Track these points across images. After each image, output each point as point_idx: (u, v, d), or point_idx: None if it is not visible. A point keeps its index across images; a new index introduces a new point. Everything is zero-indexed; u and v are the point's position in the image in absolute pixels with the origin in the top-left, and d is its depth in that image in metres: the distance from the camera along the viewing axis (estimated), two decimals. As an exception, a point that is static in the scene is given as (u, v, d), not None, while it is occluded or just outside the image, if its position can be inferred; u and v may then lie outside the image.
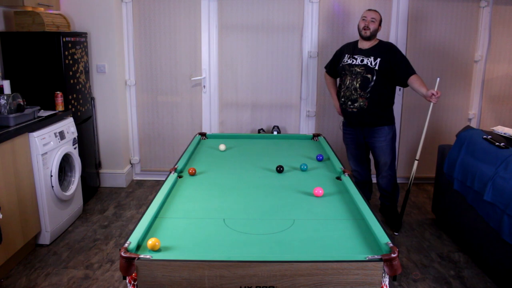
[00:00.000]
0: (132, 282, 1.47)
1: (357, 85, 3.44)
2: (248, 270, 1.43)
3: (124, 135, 4.45)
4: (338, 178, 2.35)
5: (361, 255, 1.50)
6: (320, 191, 2.08)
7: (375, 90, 3.40)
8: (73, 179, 3.50)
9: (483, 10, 4.34)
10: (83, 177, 3.72)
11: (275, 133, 4.32)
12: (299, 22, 4.34)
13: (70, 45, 3.62)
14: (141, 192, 4.33)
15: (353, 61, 3.49)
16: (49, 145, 3.13)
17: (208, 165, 2.56)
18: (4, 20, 3.57)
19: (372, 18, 3.44)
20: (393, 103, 3.60)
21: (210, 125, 4.56)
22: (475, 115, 4.61)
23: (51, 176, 3.14)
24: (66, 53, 3.55)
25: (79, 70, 3.81)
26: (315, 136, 3.31)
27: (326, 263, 1.44)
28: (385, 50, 3.42)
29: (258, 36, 4.36)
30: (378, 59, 3.39)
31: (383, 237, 1.60)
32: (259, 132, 4.43)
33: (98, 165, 4.35)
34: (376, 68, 3.38)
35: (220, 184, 2.26)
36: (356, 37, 4.56)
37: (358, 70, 3.45)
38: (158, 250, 1.53)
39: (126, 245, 1.51)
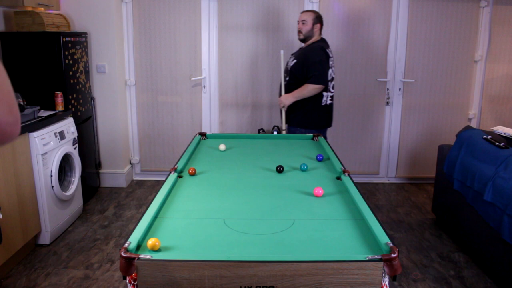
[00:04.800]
0: (132, 282, 1.47)
1: (280, 83, 3.60)
2: (248, 270, 1.43)
3: (124, 135, 4.45)
4: (338, 178, 2.34)
5: (361, 255, 1.50)
6: (320, 191, 2.08)
7: (287, 91, 3.50)
8: (73, 179, 3.50)
9: (483, 10, 4.34)
10: (83, 177, 3.71)
11: (275, 133, 4.31)
12: (299, 22, 4.34)
13: (70, 45, 3.62)
14: (141, 192, 4.33)
15: (289, 58, 3.60)
16: (49, 145, 3.13)
17: (208, 165, 2.56)
18: (4, 20, 3.56)
19: (303, 20, 3.46)
20: (313, 107, 3.51)
21: (210, 125, 4.56)
22: (475, 115, 4.61)
23: (51, 176, 3.14)
24: (66, 53, 3.55)
25: (79, 70, 3.81)
26: (315, 136, 3.30)
27: (326, 263, 1.44)
28: (305, 53, 3.44)
29: (258, 36, 4.36)
30: (295, 60, 3.44)
31: (383, 237, 1.60)
32: (259, 132, 4.43)
33: (98, 165, 4.35)
34: (289, 68, 3.45)
35: (220, 184, 2.26)
36: (354, 37, 4.58)
37: (287, 68, 3.56)
38: (158, 250, 1.53)
39: (126, 245, 1.51)
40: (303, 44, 3.60)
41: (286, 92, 3.52)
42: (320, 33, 3.55)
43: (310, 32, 3.46)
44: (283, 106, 3.53)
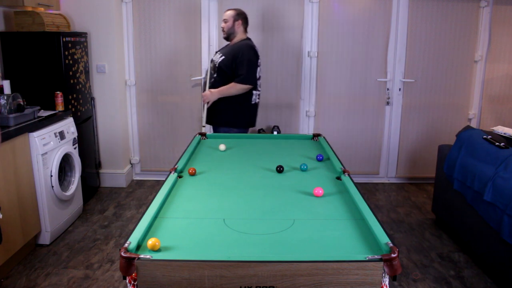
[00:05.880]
0: (132, 282, 1.47)
1: (206, 79, 3.59)
2: (248, 270, 1.43)
3: (124, 135, 4.45)
4: (338, 178, 2.34)
5: (361, 255, 1.50)
6: (320, 191, 2.08)
7: (213, 87, 3.48)
8: (73, 179, 3.50)
9: (483, 10, 4.34)
10: (83, 177, 3.71)
11: (275, 133, 4.32)
12: (299, 22, 4.34)
13: (70, 45, 3.62)
14: (141, 192, 4.33)
15: (214, 56, 3.60)
16: (49, 145, 3.13)
17: (208, 165, 2.56)
18: (4, 20, 3.56)
19: (224, 19, 3.50)
20: (243, 106, 3.51)
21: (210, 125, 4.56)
22: (475, 115, 4.61)
23: (51, 176, 3.14)
24: (66, 53, 3.55)
25: (79, 70, 3.81)
26: (315, 136, 3.30)
27: (326, 263, 1.44)
28: (234, 50, 3.43)
29: (258, 36, 4.35)
30: (223, 57, 3.44)
31: (383, 237, 1.60)
32: (259, 132, 4.43)
33: (98, 165, 4.35)
34: (217, 65, 3.44)
35: (220, 184, 2.26)
36: (354, 37, 4.57)
37: (211, 65, 3.56)
38: (158, 250, 1.53)
39: (126, 245, 1.51)
40: (228, 42, 3.60)
41: (211, 88, 3.49)
42: (245, 31, 3.56)
43: (231, 29, 3.49)
44: (208, 102, 3.50)
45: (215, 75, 3.48)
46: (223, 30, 3.54)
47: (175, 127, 4.56)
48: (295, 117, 4.55)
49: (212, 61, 3.59)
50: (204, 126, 3.63)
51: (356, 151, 4.62)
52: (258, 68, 3.51)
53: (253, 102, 3.54)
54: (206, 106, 3.55)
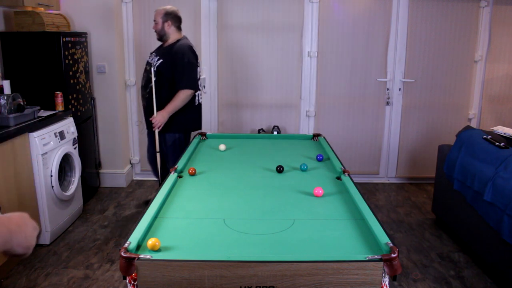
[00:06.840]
0: (132, 282, 1.47)
1: (142, 83, 3.47)
2: (248, 270, 1.43)
3: (124, 135, 4.45)
4: (338, 178, 2.35)
5: (361, 255, 1.50)
6: (320, 191, 2.08)
7: (155, 92, 3.30)
8: (73, 179, 3.49)
9: (483, 10, 4.34)
10: (83, 177, 3.71)
11: (275, 133, 4.32)
12: (299, 22, 4.34)
13: (70, 45, 3.62)
14: (141, 192, 4.33)
15: (149, 58, 3.45)
16: (49, 145, 3.13)
17: (208, 165, 2.56)
18: (4, 20, 3.56)
19: (154, 20, 3.37)
20: (188, 109, 3.39)
21: (210, 125, 4.56)
22: (475, 115, 4.61)
23: (51, 176, 3.14)
24: (66, 53, 3.55)
25: (79, 70, 3.81)
26: (315, 136, 3.30)
27: (326, 263, 1.44)
28: (171, 53, 3.29)
29: (258, 36, 4.36)
30: (161, 60, 3.31)
31: (383, 237, 1.60)
32: (259, 132, 4.43)
33: (98, 165, 4.35)
34: (155, 68, 3.31)
35: (220, 184, 2.26)
36: (354, 37, 4.57)
37: (147, 68, 3.42)
38: (158, 250, 1.53)
39: (126, 245, 1.51)
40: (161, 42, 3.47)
41: (150, 93, 3.33)
42: (178, 29, 3.41)
43: (162, 31, 3.35)
44: (159, 127, 3.32)
45: (154, 79, 3.30)
46: (155, 31, 3.40)
47: (175, 127, 4.55)
48: (295, 117, 4.55)
49: (148, 63, 3.43)
50: (158, 152, 3.47)
51: (356, 151, 4.62)
52: (198, 68, 3.38)
53: (196, 104, 3.44)
54: (157, 131, 3.37)
